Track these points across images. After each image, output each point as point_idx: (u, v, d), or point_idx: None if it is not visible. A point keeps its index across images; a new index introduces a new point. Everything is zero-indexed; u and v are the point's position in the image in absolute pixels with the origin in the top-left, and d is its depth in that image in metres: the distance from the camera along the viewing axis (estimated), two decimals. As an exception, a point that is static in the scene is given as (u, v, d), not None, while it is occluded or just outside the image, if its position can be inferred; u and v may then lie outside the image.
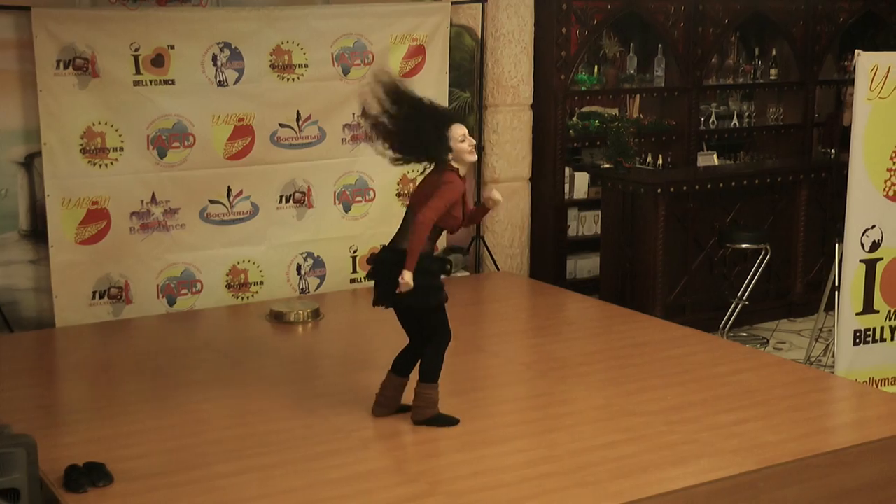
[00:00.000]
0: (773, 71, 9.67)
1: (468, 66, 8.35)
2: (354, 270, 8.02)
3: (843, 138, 8.47)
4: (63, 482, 4.55)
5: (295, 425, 5.29)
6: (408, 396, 5.30)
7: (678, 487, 4.61)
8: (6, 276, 6.92)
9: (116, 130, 7.02)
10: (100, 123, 6.96)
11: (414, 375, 5.30)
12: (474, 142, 5.16)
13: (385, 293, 5.16)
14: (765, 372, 6.13)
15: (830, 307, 6.90)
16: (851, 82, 6.75)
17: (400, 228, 5.19)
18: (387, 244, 5.21)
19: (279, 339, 6.86)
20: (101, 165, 7.02)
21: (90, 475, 4.58)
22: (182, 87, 7.16)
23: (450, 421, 5.24)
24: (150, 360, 6.41)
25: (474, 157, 5.14)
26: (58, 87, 6.81)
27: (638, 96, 9.27)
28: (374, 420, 5.34)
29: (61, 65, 6.80)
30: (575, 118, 8.95)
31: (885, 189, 6.50)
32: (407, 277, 4.94)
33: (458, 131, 5.09)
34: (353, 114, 7.79)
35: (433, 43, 8.02)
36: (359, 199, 7.96)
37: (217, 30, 7.23)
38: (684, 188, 7.94)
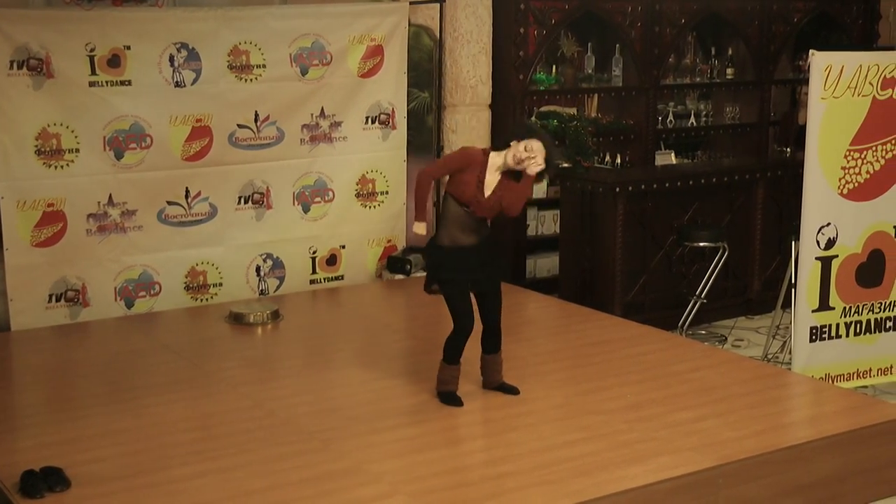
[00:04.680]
0: (729, 70, 9.75)
1: (427, 66, 8.35)
2: (314, 271, 8.00)
3: (798, 137, 8.56)
4: (19, 487, 4.51)
5: (255, 427, 5.27)
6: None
7: (638, 485, 4.64)
8: (-40, 280, 6.85)
9: (72, 132, 6.95)
10: (55, 125, 6.89)
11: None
12: (529, 156, 5.34)
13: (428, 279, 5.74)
14: (723, 369, 6.19)
15: (787, 304, 6.96)
16: (806, 81, 6.82)
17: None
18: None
19: (238, 340, 6.83)
20: (56, 167, 6.95)
21: (47, 480, 4.53)
22: (139, 87, 7.11)
23: (453, 401, 5.56)
24: (107, 362, 6.36)
25: (516, 166, 5.38)
26: (11, 87, 6.74)
27: (596, 96, 9.30)
28: (335, 421, 5.34)
29: (15, 65, 6.73)
30: (533, 118, 8.97)
31: (839, 187, 6.56)
32: (416, 228, 5.62)
33: (534, 146, 5.34)
34: (312, 114, 7.79)
35: (391, 43, 8.01)
36: (318, 199, 7.94)
37: (174, 30, 7.18)
38: (642, 187, 7.98)
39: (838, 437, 5.23)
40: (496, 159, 5.42)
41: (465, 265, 5.47)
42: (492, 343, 5.69)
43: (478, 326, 5.63)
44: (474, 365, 5.73)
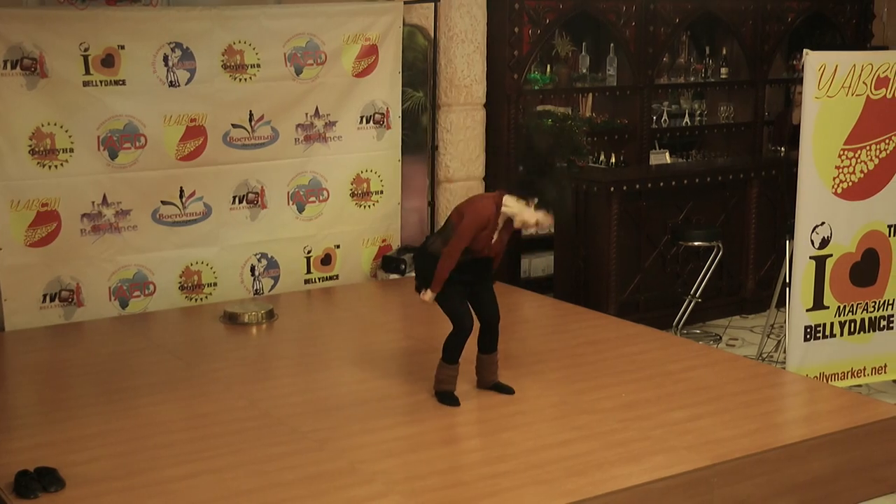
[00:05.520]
0: (723, 70, 9.75)
1: (421, 66, 8.35)
2: (308, 271, 8.00)
3: (792, 136, 8.55)
4: (13, 488, 4.50)
5: (250, 427, 5.27)
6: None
7: (632, 484, 4.64)
8: (-46, 280, 6.83)
9: (66, 131, 6.94)
10: (49, 124, 6.88)
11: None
12: (532, 227, 5.43)
13: (419, 283, 5.65)
14: (717, 368, 6.19)
15: (781, 303, 6.97)
16: (800, 81, 6.83)
17: (440, 230, 5.71)
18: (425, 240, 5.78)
19: (233, 340, 6.83)
20: (50, 167, 6.94)
21: (41, 480, 4.53)
22: (133, 87, 7.10)
23: (450, 400, 5.54)
24: (102, 363, 6.35)
25: (517, 222, 5.42)
26: (5, 87, 6.72)
27: (590, 95, 9.31)
28: (329, 421, 5.34)
29: (9, 65, 6.72)
30: (528, 117, 8.97)
31: (833, 186, 6.57)
32: (426, 297, 5.48)
33: (544, 219, 5.42)
34: (306, 114, 7.78)
35: (386, 42, 8.01)
36: (312, 199, 7.94)
37: (168, 30, 7.17)
38: (637, 187, 7.99)
39: (833, 436, 5.24)
40: (509, 207, 5.38)
41: (456, 273, 5.44)
42: (488, 342, 5.69)
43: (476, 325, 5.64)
44: (470, 364, 5.73)
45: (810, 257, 6.57)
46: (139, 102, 7.13)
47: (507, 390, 5.69)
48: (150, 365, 6.25)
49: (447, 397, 5.56)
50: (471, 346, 5.67)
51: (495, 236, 5.44)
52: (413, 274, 8.10)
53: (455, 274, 5.43)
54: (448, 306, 5.54)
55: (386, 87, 8.09)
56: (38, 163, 6.90)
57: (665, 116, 9.52)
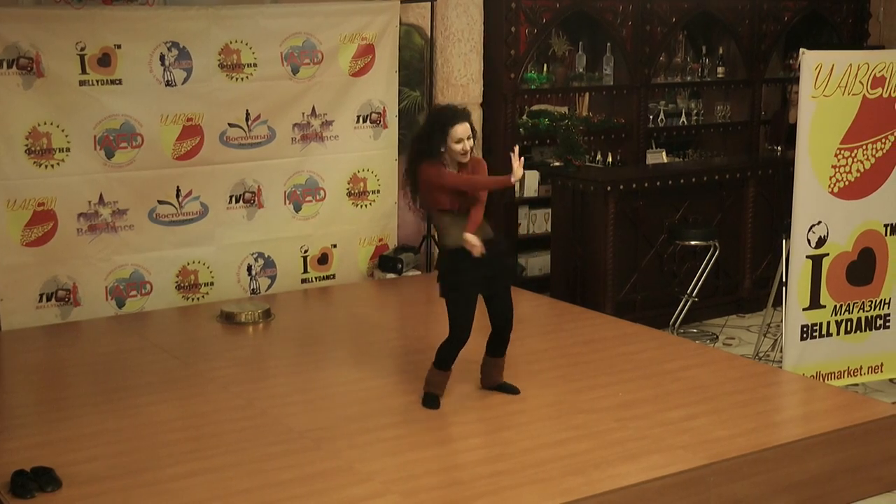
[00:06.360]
0: (720, 69, 9.76)
1: (418, 65, 8.35)
2: (305, 270, 8.00)
3: (789, 136, 8.57)
4: (10, 488, 4.50)
5: (247, 426, 5.27)
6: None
7: (629, 483, 4.64)
8: (-50, 279, 6.83)
9: (62, 131, 6.94)
10: (45, 124, 6.88)
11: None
12: (470, 146, 5.40)
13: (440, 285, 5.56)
14: (714, 367, 6.20)
15: (778, 303, 6.98)
16: (796, 80, 6.84)
17: None
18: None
19: (230, 340, 6.82)
20: (47, 166, 6.93)
21: (38, 480, 4.53)
22: (129, 86, 7.09)
23: (431, 403, 5.53)
24: (99, 362, 6.35)
25: (464, 159, 5.40)
26: (2, 86, 6.72)
27: (587, 94, 9.31)
28: (326, 420, 5.34)
29: (5, 64, 6.71)
30: (525, 117, 8.98)
31: (830, 186, 6.58)
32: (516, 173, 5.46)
33: (458, 131, 5.35)
34: (303, 113, 7.78)
35: (382, 42, 8.01)
36: (309, 198, 7.94)
37: (164, 29, 7.17)
38: (633, 186, 7.99)
39: (829, 436, 5.25)
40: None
41: (476, 263, 5.34)
42: (497, 346, 5.67)
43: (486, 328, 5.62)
44: (471, 364, 5.73)
45: (807, 256, 6.57)
46: (136, 102, 7.13)
47: (513, 390, 5.67)
48: (146, 364, 6.25)
49: (430, 399, 5.54)
50: (474, 349, 5.65)
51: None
52: (411, 273, 8.18)
53: (471, 269, 5.36)
54: (454, 310, 5.43)
55: (382, 87, 8.09)
56: (35, 162, 6.89)
57: (662, 116, 9.52)
